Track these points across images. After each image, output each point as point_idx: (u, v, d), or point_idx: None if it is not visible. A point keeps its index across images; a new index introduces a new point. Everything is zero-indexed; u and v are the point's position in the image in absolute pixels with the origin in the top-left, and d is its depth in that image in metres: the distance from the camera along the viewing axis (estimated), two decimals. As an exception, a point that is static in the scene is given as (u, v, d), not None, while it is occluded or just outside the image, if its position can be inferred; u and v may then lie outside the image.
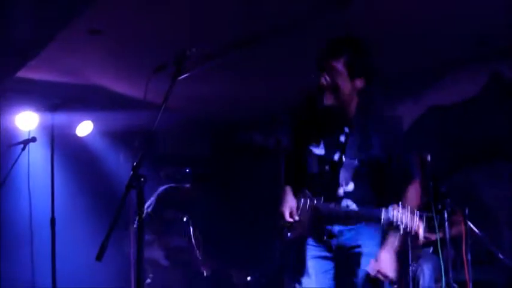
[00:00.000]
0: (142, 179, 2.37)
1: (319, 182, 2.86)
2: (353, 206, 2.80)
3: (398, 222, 2.56)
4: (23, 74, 5.12)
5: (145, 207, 5.53)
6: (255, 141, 7.32)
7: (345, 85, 2.78)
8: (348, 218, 2.80)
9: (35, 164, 4.69)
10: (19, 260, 4.78)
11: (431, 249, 4.85)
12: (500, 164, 5.41)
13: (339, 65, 2.77)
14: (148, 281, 5.23)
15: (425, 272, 4.62)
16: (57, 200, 4.42)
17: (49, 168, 4.52)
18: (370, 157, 2.80)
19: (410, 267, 4.55)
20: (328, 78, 2.77)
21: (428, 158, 4.16)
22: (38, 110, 5.32)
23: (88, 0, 3.85)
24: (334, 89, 2.78)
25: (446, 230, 4.05)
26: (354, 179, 2.82)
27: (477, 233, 4.41)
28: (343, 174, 2.83)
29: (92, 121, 5.78)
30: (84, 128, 5.78)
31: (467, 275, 4.11)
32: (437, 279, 4.59)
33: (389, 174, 2.82)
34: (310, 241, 2.90)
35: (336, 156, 2.86)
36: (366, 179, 2.83)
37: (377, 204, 2.72)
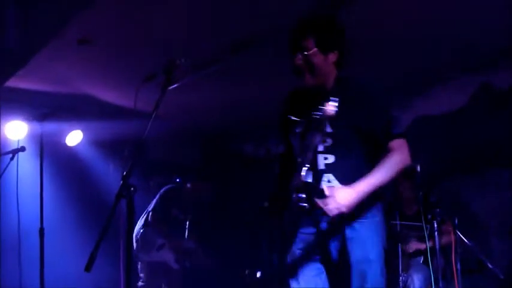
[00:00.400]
0: (132, 189, 2.36)
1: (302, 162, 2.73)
2: (335, 182, 2.74)
3: None
4: (12, 83, 5.10)
5: (149, 209, 5.52)
6: (246, 151, 7.32)
7: (319, 62, 2.78)
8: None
9: (24, 174, 4.66)
10: (6, 269, 4.73)
11: (422, 259, 4.86)
12: (489, 173, 5.44)
13: (309, 43, 2.77)
14: (141, 284, 5.20)
15: (416, 282, 4.63)
16: (46, 209, 4.39)
17: (38, 177, 4.49)
18: (352, 126, 2.76)
19: (401, 277, 4.56)
20: (301, 58, 2.78)
21: (418, 168, 4.18)
22: (27, 119, 5.30)
23: (77, 9, 3.84)
24: (310, 68, 2.78)
25: (436, 239, 4.06)
26: (336, 151, 2.77)
27: (466, 243, 4.41)
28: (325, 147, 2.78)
29: (82, 130, 5.76)
30: (74, 138, 5.76)
31: (456, 284, 4.11)
32: (427, 289, 4.60)
33: (377, 141, 2.78)
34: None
35: None
36: (352, 151, 2.77)
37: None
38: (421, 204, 4.22)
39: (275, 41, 4.23)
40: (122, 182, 2.38)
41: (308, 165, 2.63)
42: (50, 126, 5.09)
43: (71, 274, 4.83)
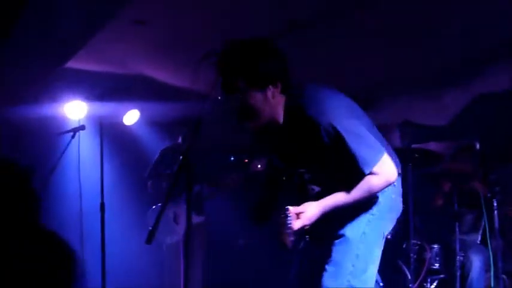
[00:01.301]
0: (191, 165, 2.39)
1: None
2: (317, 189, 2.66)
3: None
4: (70, 64, 5.23)
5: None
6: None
7: (257, 101, 2.47)
8: None
9: (84, 151, 4.79)
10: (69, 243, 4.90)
11: (479, 238, 4.77)
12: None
13: (241, 83, 2.45)
14: None
15: (475, 264, 4.54)
16: (106, 186, 4.50)
17: (97, 154, 4.60)
18: (319, 163, 2.58)
19: (458, 258, 4.49)
20: (234, 100, 2.47)
21: (477, 145, 4.08)
22: (86, 99, 5.43)
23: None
24: (249, 110, 2.48)
25: (496, 219, 3.97)
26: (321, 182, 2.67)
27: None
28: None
29: (138, 110, 5.86)
30: (131, 117, 5.87)
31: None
32: (486, 270, 4.51)
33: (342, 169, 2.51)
34: None
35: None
36: (335, 175, 2.58)
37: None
38: (480, 181, 4.13)
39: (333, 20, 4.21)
40: (181, 157, 2.42)
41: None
42: (108, 106, 5.20)
43: (131, 250, 4.99)
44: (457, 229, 4.48)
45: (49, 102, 5.50)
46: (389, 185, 2.52)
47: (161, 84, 6.06)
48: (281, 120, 2.54)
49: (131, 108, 5.84)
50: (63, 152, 4.34)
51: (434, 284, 4.71)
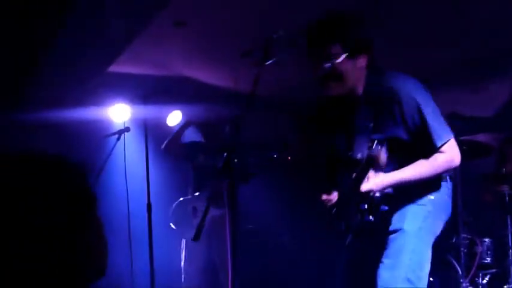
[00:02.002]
0: (235, 161, 2.40)
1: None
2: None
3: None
4: (113, 68, 5.32)
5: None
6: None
7: (349, 69, 2.56)
8: None
9: (130, 153, 4.86)
10: (117, 245, 4.99)
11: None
12: None
13: (336, 49, 2.54)
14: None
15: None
16: (152, 187, 4.56)
17: (143, 156, 4.67)
18: (392, 139, 2.60)
19: (511, 251, 4.38)
20: (327, 67, 2.54)
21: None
22: (130, 102, 5.51)
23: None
24: (337, 77, 2.56)
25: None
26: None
27: None
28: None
29: (181, 111, 5.91)
30: (174, 118, 5.91)
31: None
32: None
33: (414, 147, 2.61)
34: None
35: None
36: (401, 158, 2.63)
37: None
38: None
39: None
40: (225, 156, 2.43)
41: None
42: (151, 108, 5.26)
43: (178, 250, 5.03)
44: (509, 222, 4.37)
45: (94, 105, 5.60)
46: (451, 169, 2.64)
47: (203, 85, 6.09)
48: (360, 92, 2.65)
49: (174, 110, 5.88)
50: (110, 154, 4.42)
51: (487, 278, 4.58)
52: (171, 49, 5.13)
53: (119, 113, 5.55)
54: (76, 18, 4.07)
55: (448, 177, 2.73)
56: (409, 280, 2.55)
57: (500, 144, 4.79)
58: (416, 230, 2.61)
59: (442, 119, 2.60)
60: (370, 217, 2.65)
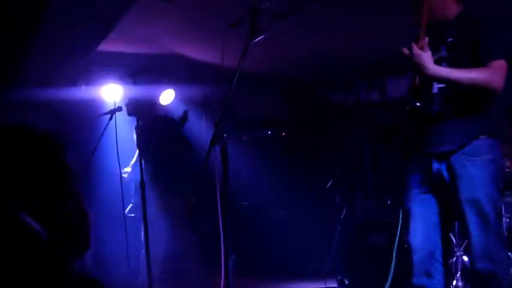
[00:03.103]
0: (225, 135, 2.38)
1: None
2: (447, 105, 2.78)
3: None
4: (104, 47, 5.28)
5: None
6: (335, 100, 7.24)
7: None
8: None
9: (122, 132, 4.84)
10: (112, 222, 5.02)
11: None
12: None
13: None
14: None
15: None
16: (144, 164, 4.56)
17: (135, 135, 4.68)
18: (464, 50, 2.75)
19: (504, 219, 4.39)
20: None
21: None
22: (121, 81, 5.49)
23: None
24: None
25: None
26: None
27: None
28: None
29: (174, 89, 5.89)
30: (167, 96, 5.90)
31: None
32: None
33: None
34: None
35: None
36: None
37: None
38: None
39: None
40: (215, 128, 2.42)
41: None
42: (143, 87, 5.23)
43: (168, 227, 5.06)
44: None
45: (86, 85, 5.59)
46: (488, 90, 2.67)
47: (194, 62, 6.07)
48: (450, 17, 2.81)
49: (166, 88, 5.86)
50: (102, 134, 4.40)
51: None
52: (160, 25, 5.09)
53: (110, 92, 5.54)
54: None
55: (498, 138, 2.79)
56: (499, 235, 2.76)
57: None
58: (491, 198, 2.71)
59: (503, 40, 2.71)
60: (417, 103, 2.77)
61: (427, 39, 2.70)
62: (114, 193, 4.74)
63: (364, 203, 5.54)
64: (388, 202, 4.89)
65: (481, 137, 2.73)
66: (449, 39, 2.78)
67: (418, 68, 2.68)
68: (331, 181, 5.34)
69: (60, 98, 5.10)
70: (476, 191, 2.70)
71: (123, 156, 4.72)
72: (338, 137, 6.70)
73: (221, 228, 2.52)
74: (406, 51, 2.69)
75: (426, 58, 2.65)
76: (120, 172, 4.43)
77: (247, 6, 2.82)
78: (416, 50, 2.65)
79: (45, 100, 4.98)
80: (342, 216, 5.27)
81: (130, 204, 4.95)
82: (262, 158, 6.79)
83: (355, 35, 5.39)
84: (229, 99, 2.79)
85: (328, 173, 5.60)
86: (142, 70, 5.27)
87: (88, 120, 5.30)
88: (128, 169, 5.04)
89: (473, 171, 2.71)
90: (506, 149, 4.57)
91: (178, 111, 5.90)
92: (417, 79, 2.80)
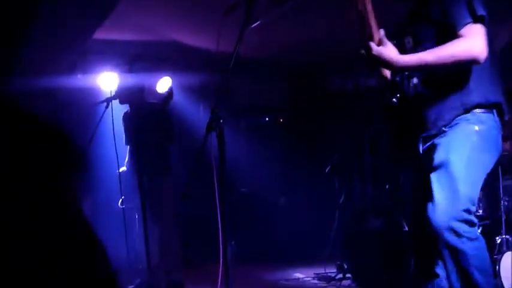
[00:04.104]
0: (221, 120, 2.36)
1: None
2: (418, 83, 2.59)
3: None
4: (100, 35, 5.25)
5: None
6: (333, 85, 7.22)
7: None
8: None
9: (118, 120, 4.83)
10: (111, 211, 5.02)
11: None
12: None
13: None
14: None
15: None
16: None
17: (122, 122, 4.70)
18: (427, 21, 2.54)
19: (502, 202, 4.39)
20: None
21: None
22: (117, 69, 5.46)
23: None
24: None
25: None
26: (416, 50, 2.54)
27: None
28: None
29: (170, 76, 5.86)
30: (163, 84, 5.87)
31: None
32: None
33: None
34: None
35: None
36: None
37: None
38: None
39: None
40: (211, 114, 2.39)
41: None
42: (139, 75, 5.21)
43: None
44: (500, 174, 4.38)
45: (83, 73, 5.57)
46: (471, 61, 2.38)
47: (191, 49, 6.04)
48: None
49: (163, 75, 5.83)
50: (99, 122, 4.40)
51: (479, 230, 4.61)
52: (157, 12, 5.06)
53: (107, 80, 5.52)
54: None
55: (494, 111, 2.49)
56: (467, 210, 2.40)
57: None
58: (465, 160, 2.42)
59: (465, 4, 2.38)
60: (394, 100, 2.59)
61: (382, 31, 2.50)
62: (111, 184, 4.74)
63: (363, 188, 5.54)
64: (386, 187, 4.89)
65: (467, 112, 2.46)
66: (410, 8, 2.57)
67: (385, 66, 2.51)
68: (329, 166, 5.33)
69: (58, 87, 5.08)
70: (449, 153, 2.44)
71: (121, 145, 4.72)
72: (336, 123, 6.69)
73: (219, 216, 2.50)
74: (364, 52, 2.49)
75: (389, 53, 2.45)
76: (118, 163, 4.43)
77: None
78: (374, 49, 2.45)
79: (43, 89, 4.96)
80: (340, 202, 5.27)
81: (123, 197, 4.92)
82: (260, 144, 6.79)
83: (353, 19, 5.35)
84: (225, 85, 2.76)
85: (326, 159, 5.59)
86: (137, 57, 5.24)
87: (85, 109, 5.29)
88: (124, 168, 5.02)
89: (452, 136, 2.47)
90: (506, 146, 4.56)
91: (176, 97, 5.88)
92: (388, 74, 2.64)
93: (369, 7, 2.59)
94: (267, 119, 6.53)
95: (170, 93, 4.95)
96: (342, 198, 5.25)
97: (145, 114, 4.81)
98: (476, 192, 2.48)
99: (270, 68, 6.97)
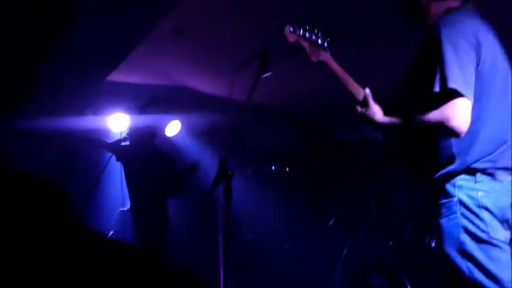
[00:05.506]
0: (230, 172, 2.37)
1: None
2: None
3: None
4: (113, 77, 5.31)
5: None
6: (339, 135, 7.25)
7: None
8: None
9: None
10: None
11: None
12: None
13: None
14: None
15: None
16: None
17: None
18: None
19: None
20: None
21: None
22: (128, 111, 5.50)
23: (173, 2, 3.93)
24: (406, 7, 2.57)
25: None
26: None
27: None
28: None
29: (180, 120, 5.91)
30: (173, 128, 5.91)
31: None
32: None
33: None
34: None
35: None
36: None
37: None
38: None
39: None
40: (219, 166, 2.40)
41: None
42: (149, 118, 5.26)
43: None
44: None
45: (93, 114, 5.60)
46: (449, 131, 2.20)
47: (201, 94, 6.09)
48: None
49: (172, 119, 5.88)
50: (107, 164, 4.43)
51: None
52: (171, 58, 5.13)
53: (117, 122, 5.54)
54: (76, 29, 4.08)
55: (478, 174, 2.27)
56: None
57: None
58: (459, 251, 2.23)
59: (464, 63, 2.19)
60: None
61: (367, 90, 2.54)
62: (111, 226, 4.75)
63: (366, 242, 5.50)
64: (390, 243, 4.85)
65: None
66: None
67: (370, 125, 2.53)
68: (333, 219, 5.31)
69: (68, 127, 5.12)
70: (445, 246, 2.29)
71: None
72: (342, 173, 6.69)
73: (221, 266, 2.49)
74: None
75: (371, 114, 2.48)
76: (123, 204, 4.44)
77: (256, 44, 2.85)
78: (358, 110, 2.53)
79: (53, 129, 5.00)
80: (343, 255, 5.23)
81: (111, 231, 4.88)
82: (266, 191, 6.78)
83: (360, 74, 5.42)
84: (236, 134, 2.80)
85: (331, 209, 5.57)
86: (149, 102, 5.29)
87: (94, 150, 5.31)
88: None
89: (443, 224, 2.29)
90: None
91: (184, 142, 5.90)
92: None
93: (339, 72, 2.69)
94: (273, 168, 6.53)
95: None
96: (345, 251, 5.21)
97: (151, 159, 4.82)
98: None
99: (278, 115, 7.02)
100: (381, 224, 5.34)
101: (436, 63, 2.21)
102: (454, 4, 2.38)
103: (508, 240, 2.26)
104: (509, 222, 2.29)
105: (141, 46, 4.57)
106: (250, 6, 4.09)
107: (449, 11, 2.35)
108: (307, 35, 2.64)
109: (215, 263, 2.56)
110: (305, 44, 2.64)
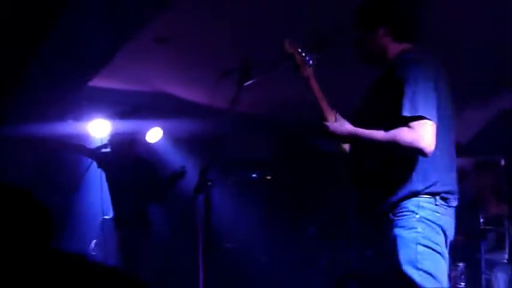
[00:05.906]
0: (209, 183, 2.38)
1: None
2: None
3: None
4: (94, 83, 5.29)
5: None
6: (320, 145, 7.27)
7: (369, 41, 2.72)
8: None
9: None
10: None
11: (506, 257, 4.67)
12: None
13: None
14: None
15: (500, 282, 4.45)
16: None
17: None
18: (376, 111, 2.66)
19: (483, 276, 4.41)
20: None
21: (502, 162, 4.01)
22: (109, 117, 5.47)
23: (156, 9, 3.94)
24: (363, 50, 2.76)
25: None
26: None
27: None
28: None
29: (161, 127, 5.89)
30: (154, 135, 5.89)
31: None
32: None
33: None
34: None
35: None
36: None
37: None
38: (506, 199, 4.05)
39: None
40: (199, 176, 2.41)
41: None
42: (130, 124, 5.24)
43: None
44: (481, 248, 4.41)
45: (74, 120, 5.56)
46: (417, 150, 2.38)
47: (182, 101, 6.09)
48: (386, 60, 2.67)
49: (154, 126, 5.86)
50: (86, 170, 4.40)
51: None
52: (152, 65, 5.13)
53: (98, 128, 5.51)
54: (58, 34, 4.06)
55: (437, 197, 2.48)
56: None
57: (474, 168, 4.82)
58: (415, 261, 2.45)
59: (427, 96, 2.40)
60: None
61: (337, 114, 2.72)
62: (94, 228, 4.72)
63: (347, 253, 5.53)
64: (368, 254, 4.88)
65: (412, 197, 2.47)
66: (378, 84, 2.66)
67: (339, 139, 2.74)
68: (313, 229, 5.33)
69: (47, 133, 5.07)
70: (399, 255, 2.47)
71: (107, 194, 4.70)
72: (322, 183, 6.71)
73: (201, 276, 2.49)
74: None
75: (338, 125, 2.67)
76: (103, 210, 4.41)
77: (239, 54, 2.87)
78: (324, 122, 2.73)
79: (32, 135, 4.95)
80: (323, 265, 5.25)
81: (94, 240, 4.83)
82: (246, 200, 6.77)
83: (343, 85, 5.46)
84: (217, 143, 2.81)
85: (311, 219, 5.59)
86: (130, 109, 5.27)
87: (74, 157, 5.27)
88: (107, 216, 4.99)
89: (398, 232, 2.48)
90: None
91: (165, 149, 5.88)
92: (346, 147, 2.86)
93: (316, 89, 2.87)
94: (254, 175, 6.53)
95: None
96: (325, 262, 5.23)
97: (132, 166, 4.80)
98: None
99: (260, 124, 7.03)
100: (361, 235, 5.37)
101: (402, 92, 2.41)
102: (407, 46, 2.65)
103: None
104: (449, 241, 2.59)
105: (123, 53, 4.56)
106: (231, 15, 4.10)
107: (405, 51, 2.62)
108: (299, 50, 2.81)
109: (194, 272, 2.55)
110: (298, 58, 2.80)
